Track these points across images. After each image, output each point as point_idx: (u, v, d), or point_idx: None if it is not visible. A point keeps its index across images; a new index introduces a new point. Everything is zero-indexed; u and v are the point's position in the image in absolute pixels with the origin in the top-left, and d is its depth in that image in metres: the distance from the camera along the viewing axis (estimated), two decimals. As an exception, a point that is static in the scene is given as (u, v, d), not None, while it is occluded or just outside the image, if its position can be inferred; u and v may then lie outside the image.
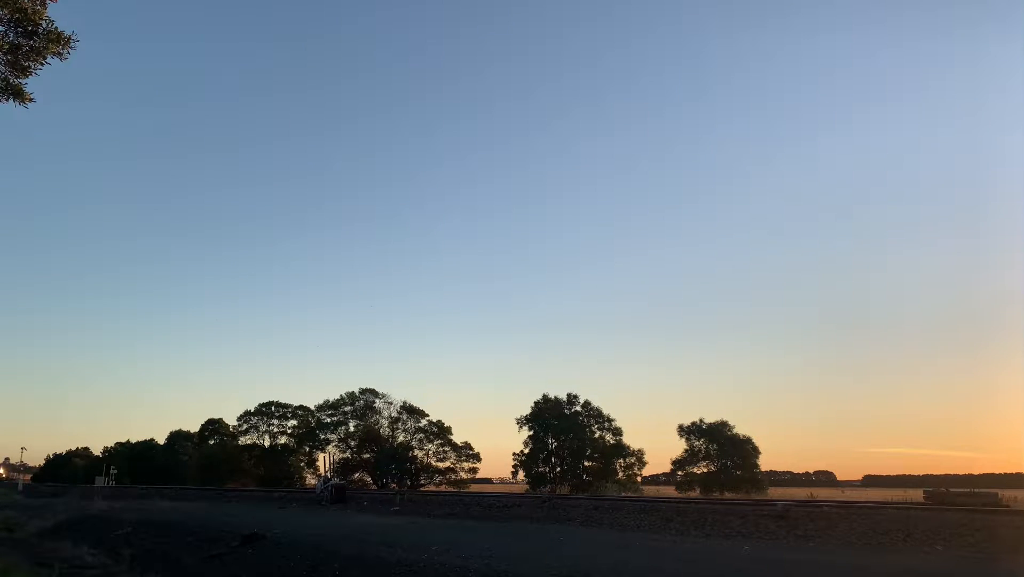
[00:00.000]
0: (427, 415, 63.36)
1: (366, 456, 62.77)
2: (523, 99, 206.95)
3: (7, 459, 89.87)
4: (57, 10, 11.37)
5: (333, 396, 66.94)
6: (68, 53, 11.42)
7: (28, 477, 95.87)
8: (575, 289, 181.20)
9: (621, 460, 56.46)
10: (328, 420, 66.00)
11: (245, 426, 72.66)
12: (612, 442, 57.07)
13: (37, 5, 11.10)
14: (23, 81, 11.56)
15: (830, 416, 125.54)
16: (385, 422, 64.12)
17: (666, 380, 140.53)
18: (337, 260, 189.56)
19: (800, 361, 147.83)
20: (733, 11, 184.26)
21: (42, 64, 11.49)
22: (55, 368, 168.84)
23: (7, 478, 75.37)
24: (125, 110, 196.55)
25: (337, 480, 39.12)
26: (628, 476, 57.08)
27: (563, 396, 58.58)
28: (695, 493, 51.45)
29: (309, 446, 68.36)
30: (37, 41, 11.19)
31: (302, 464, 70.21)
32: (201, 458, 76.40)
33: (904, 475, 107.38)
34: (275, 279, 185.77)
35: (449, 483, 60.20)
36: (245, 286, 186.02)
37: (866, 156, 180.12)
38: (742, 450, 54.71)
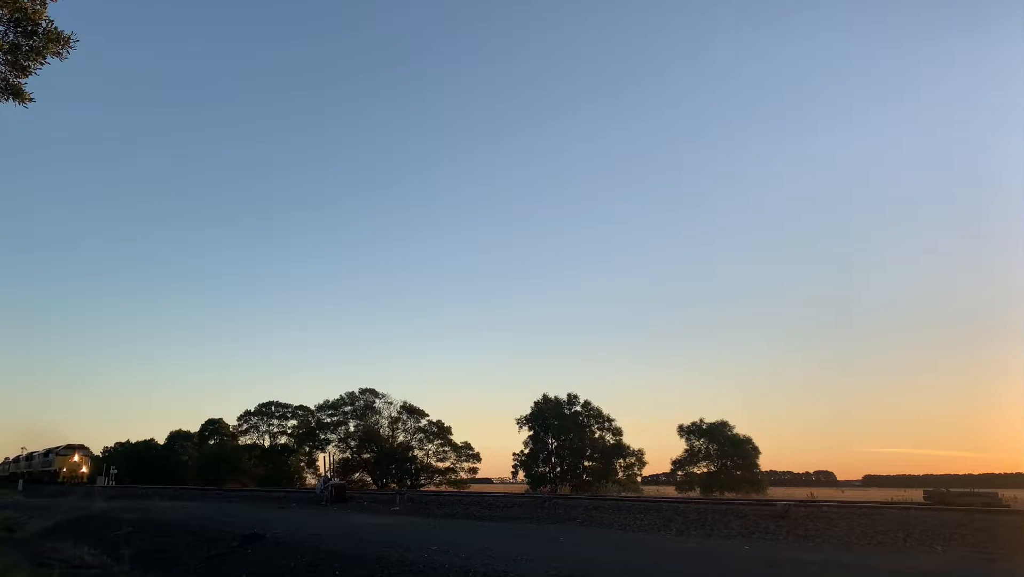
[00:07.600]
0: (427, 415, 63.47)
1: (366, 456, 62.79)
2: (523, 99, 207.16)
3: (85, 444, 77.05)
4: (57, 10, 11.39)
5: (333, 396, 67.03)
6: (68, 53, 11.43)
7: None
8: (575, 289, 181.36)
9: (621, 460, 56.52)
10: (328, 420, 66.02)
11: (245, 426, 72.77)
12: (612, 442, 57.15)
13: (37, 5, 11.12)
14: (23, 81, 11.57)
15: (830, 416, 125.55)
16: (385, 422, 64.16)
17: (666, 380, 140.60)
18: (337, 260, 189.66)
19: (800, 361, 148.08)
20: (733, 11, 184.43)
21: (42, 64, 11.50)
22: (55, 368, 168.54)
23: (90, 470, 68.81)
24: (125, 110, 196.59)
25: (337, 480, 39.02)
26: (628, 476, 57.18)
27: (563, 396, 58.67)
28: (695, 493, 51.41)
29: (309, 446, 68.37)
30: (37, 41, 11.21)
31: (302, 464, 70.22)
32: (201, 458, 76.37)
33: (904, 475, 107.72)
34: (275, 279, 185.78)
35: (449, 483, 60.20)
36: (245, 286, 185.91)
37: (866, 156, 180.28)
38: (742, 450, 54.71)
